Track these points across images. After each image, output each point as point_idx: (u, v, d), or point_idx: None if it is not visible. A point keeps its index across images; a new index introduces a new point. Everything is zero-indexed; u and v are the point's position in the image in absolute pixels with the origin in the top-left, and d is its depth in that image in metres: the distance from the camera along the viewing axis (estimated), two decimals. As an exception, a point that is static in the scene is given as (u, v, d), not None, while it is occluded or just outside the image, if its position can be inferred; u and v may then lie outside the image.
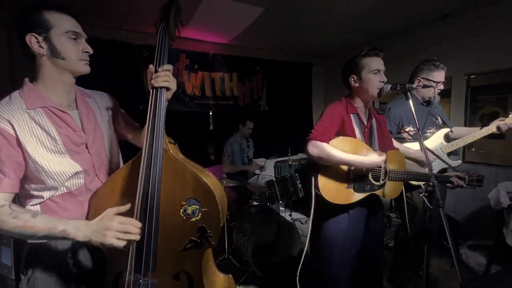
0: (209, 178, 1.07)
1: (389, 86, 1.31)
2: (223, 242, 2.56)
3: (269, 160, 3.55)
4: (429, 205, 1.14)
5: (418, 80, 1.96)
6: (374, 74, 1.35)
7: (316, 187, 1.42)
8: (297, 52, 4.38)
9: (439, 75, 1.91)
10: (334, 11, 2.82)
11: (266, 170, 3.55)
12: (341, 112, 1.41)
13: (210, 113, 3.87)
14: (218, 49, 3.68)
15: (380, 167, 1.37)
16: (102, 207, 0.92)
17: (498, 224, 2.18)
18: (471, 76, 3.07)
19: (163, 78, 1.00)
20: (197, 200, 1.00)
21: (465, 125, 3.01)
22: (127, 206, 0.90)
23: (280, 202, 2.49)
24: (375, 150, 1.44)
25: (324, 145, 1.31)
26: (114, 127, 1.19)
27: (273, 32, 3.45)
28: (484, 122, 3.40)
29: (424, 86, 1.20)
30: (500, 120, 1.88)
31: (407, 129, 1.92)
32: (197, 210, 1.00)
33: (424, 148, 1.16)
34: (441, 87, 1.94)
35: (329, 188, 1.38)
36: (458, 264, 1.09)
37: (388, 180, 1.40)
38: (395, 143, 1.76)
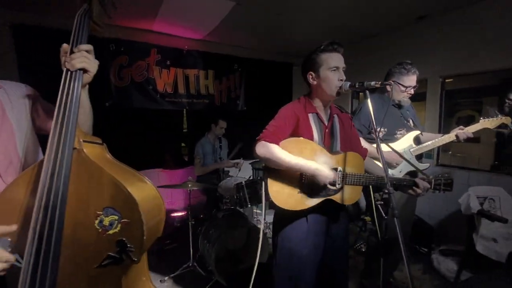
0: (140, 185, 0.94)
1: (348, 84, 1.22)
2: (188, 248, 2.41)
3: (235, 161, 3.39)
4: (384, 215, 1.04)
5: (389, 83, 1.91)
6: (332, 71, 1.26)
7: (267, 192, 1.31)
8: (277, 51, 4.28)
9: (409, 80, 1.86)
10: (310, 11, 2.75)
11: (243, 172, 3.42)
12: (297, 112, 1.31)
13: (185, 112, 3.70)
14: (193, 45, 3.53)
15: (335, 170, 1.26)
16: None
17: (468, 229, 2.13)
18: (447, 80, 3.04)
19: (79, 59, 0.85)
20: (116, 210, 0.86)
21: (439, 128, 2.98)
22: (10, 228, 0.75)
23: (249, 205, 2.36)
24: (336, 151, 1.34)
25: (273, 146, 1.21)
26: (33, 121, 1.03)
27: (251, 30, 3.34)
28: (460, 125, 3.42)
29: (382, 85, 1.10)
30: (460, 129, 1.85)
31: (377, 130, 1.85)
32: (116, 221, 0.86)
33: (379, 150, 1.07)
34: (411, 91, 1.88)
35: (280, 193, 1.26)
36: (411, 276, 0.99)
37: (346, 184, 1.30)
38: (364, 143, 1.69)
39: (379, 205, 1.07)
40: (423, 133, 2.01)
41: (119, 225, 0.86)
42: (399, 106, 1.95)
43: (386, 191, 1.01)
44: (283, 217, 1.36)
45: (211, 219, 2.42)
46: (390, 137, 1.88)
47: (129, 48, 3.13)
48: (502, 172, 2.78)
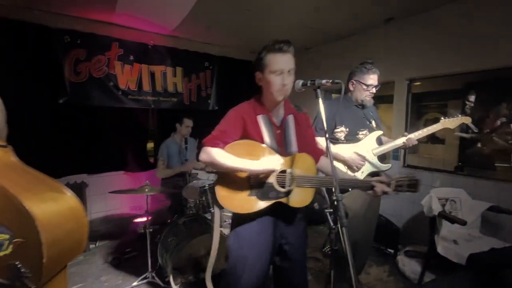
0: (49, 196, 0.80)
1: (301, 82, 1.15)
2: (146, 258, 2.24)
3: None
4: (332, 224, 0.97)
5: (351, 83, 1.90)
6: (276, 75, 1.19)
7: (215, 195, 1.22)
8: (250, 50, 4.18)
9: (370, 78, 1.85)
10: (279, 10, 2.70)
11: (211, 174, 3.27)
12: (244, 115, 1.26)
13: (151, 111, 3.50)
14: (159, 40, 3.34)
15: (284, 172, 1.20)
16: None
17: (430, 231, 2.14)
18: (415, 83, 3.08)
19: None
20: (6, 227, 0.70)
21: (405, 130, 3.01)
22: None
23: (212, 210, 2.23)
24: (290, 153, 1.27)
25: (214, 150, 1.17)
26: None
27: (221, 27, 3.22)
28: (427, 127, 3.50)
29: (333, 83, 1.04)
30: (403, 136, 1.85)
31: (338, 130, 1.82)
32: (6, 242, 0.71)
33: (329, 152, 1.00)
34: (373, 90, 1.87)
35: (229, 196, 1.21)
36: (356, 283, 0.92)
37: (296, 186, 1.23)
38: (322, 143, 1.64)
39: (327, 214, 0.99)
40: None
41: (11, 246, 0.71)
42: (362, 106, 1.92)
43: (334, 197, 0.93)
44: (235, 220, 1.33)
45: (171, 225, 2.26)
46: (352, 137, 1.85)
47: (87, 41, 2.89)
48: (463, 173, 2.87)
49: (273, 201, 1.21)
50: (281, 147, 1.26)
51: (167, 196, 2.88)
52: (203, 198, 2.23)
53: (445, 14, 2.58)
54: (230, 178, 1.20)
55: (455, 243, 2.02)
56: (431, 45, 2.70)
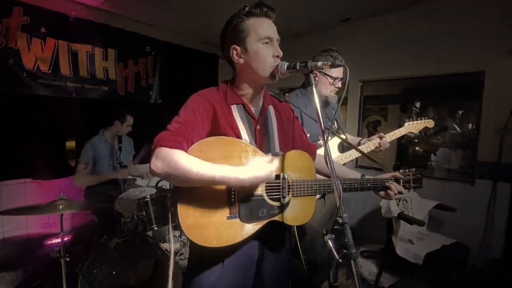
0: None
1: (286, 65, 0.88)
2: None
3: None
4: (336, 256, 0.74)
5: (314, 74, 1.63)
6: (264, 44, 0.90)
7: (177, 221, 0.84)
8: (201, 40, 3.77)
9: (337, 70, 1.60)
10: (235, 4, 2.41)
11: (155, 179, 2.76)
12: (214, 102, 0.92)
13: (73, 101, 2.77)
14: (84, 12, 2.66)
15: (277, 179, 0.91)
16: None
17: (388, 232, 2.16)
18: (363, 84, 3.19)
19: None
20: None
21: (358, 133, 3.08)
22: None
23: (155, 228, 1.79)
24: (274, 154, 0.96)
25: (175, 154, 0.78)
26: None
27: (167, 8, 2.75)
28: (370, 130, 3.69)
29: (332, 66, 0.80)
30: (379, 137, 1.71)
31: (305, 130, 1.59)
32: None
33: (328, 154, 0.77)
34: (339, 84, 1.64)
35: (199, 224, 0.84)
36: None
37: (293, 196, 0.95)
38: None
39: (329, 241, 0.76)
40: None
41: None
42: (325, 103, 1.69)
43: (339, 219, 0.70)
44: (192, 257, 0.99)
45: (98, 250, 1.73)
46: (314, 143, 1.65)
47: (-30, -1, 2.07)
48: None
49: (265, 222, 0.90)
50: (261, 147, 0.95)
51: (93, 211, 2.28)
52: (143, 212, 1.77)
53: (398, 19, 2.69)
54: (197, 194, 0.83)
55: (411, 242, 2.07)
56: (383, 48, 2.79)
